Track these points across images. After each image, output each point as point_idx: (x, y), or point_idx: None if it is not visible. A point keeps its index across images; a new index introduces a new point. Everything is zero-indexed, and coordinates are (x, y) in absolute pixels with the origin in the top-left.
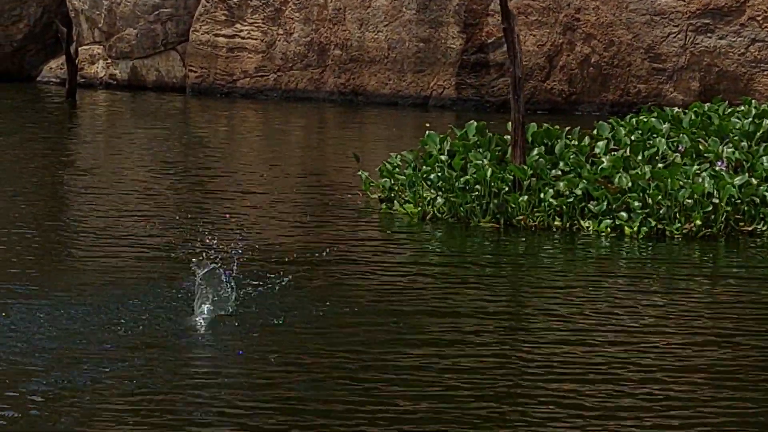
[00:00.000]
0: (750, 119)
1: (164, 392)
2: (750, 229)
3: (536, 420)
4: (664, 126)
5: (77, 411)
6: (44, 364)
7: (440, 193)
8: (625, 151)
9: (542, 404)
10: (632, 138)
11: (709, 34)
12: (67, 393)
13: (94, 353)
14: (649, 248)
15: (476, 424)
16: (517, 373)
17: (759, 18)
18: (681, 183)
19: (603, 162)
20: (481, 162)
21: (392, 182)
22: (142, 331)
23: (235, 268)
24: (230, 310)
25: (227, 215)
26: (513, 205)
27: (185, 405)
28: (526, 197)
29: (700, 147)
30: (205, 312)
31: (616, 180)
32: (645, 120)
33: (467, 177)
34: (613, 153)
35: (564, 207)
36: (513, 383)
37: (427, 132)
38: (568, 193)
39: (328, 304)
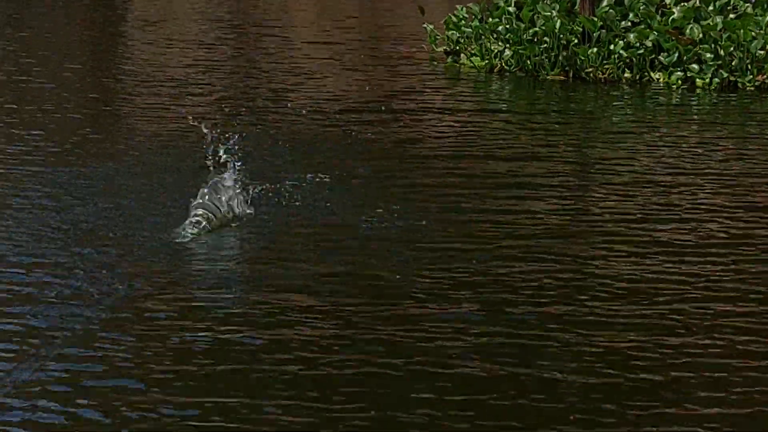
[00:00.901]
0: None
1: (217, 259)
2: None
3: (594, 256)
4: None
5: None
6: (119, 222)
7: (508, 45)
8: (696, 2)
9: (602, 242)
10: None
11: None
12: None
13: (155, 214)
14: (721, 100)
15: (535, 257)
16: (581, 213)
17: None
18: (753, 34)
19: (674, 13)
20: (549, 13)
21: (458, 35)
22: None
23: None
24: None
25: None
26: (582, 58)
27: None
28: (595, 49)
29: None
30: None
31: (687, 31)
32: None
33: (535, 29)
34: (683, 3)
35: (634, 59)
36: (575, 222)
37: None
38: (638, 44)
39: (399, 153)
